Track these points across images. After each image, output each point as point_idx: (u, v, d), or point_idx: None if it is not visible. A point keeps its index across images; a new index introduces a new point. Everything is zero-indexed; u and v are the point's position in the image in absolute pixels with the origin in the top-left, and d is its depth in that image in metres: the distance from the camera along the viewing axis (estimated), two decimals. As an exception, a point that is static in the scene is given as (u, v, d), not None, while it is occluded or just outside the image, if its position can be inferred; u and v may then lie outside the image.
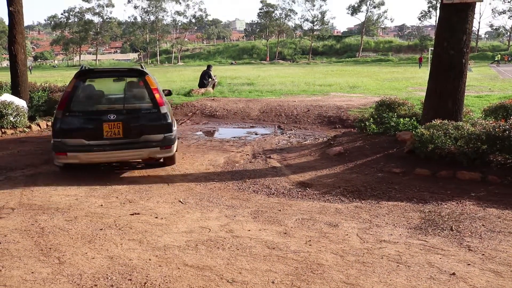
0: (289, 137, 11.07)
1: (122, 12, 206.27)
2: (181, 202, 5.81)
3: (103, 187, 6.50)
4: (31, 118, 12.18)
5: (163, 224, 4.93)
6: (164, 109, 7.16)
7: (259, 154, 9.00)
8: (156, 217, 5.17)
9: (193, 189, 6.51)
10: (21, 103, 11.89)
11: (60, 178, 7.04)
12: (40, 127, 11.92)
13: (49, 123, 12.19)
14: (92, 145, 6.84)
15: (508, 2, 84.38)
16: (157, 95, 7.16)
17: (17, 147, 9.57)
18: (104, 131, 6.86)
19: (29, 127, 11.62)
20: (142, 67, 7.90)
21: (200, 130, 12.08)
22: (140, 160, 7.77)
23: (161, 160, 7.80)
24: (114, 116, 6.92)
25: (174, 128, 7.48)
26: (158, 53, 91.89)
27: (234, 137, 11.13)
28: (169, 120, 7.21)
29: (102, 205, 5.62)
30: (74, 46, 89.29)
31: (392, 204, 5.68)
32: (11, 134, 11.01)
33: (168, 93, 9.18)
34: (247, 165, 8.12)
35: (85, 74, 7.41)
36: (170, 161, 7.88)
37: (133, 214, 5.26)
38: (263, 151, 9.24)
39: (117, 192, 6.27)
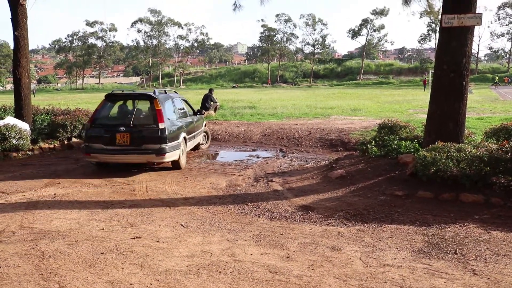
0: (291, 160, 11.07)
1: (125, 36, 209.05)
2: (183, 226, 5.77)
3: (104, 211, 6.48)
4: (34, 141, 12.21)
5: (165, 248, 4.89)
6: (162, 126, 9.15)
7: (261, 177, 8.98)
8: (158, 241, 5.13)
9: (195, 212, 6.48)
10: (24, 126, 11.95)
11: (62, 201, 7.03)
12: (42, 150, 11.95)
13: (52, 146, 12.24)
14: (107, 149, 9.21)
15: (506, 25, 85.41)
16: (158, 115, 9.23)
17: (19, 170, 9.59)
18: (117, 139, 9.14)
19: (32, 150, 11.65)
20: (165, 92, 10.59)
21: (202, 153, 12.07)
22: (144, 162, 9.60)
23: (170, 165, 9.81)
24: (124, 129, 9.17)
25: (177, 141, 9.58)
26: (160, 76, 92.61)
27: (236, 160, 11.13)
28: (165, 135, 9.12)
29: (103, 229, 5.59)
30: (77, 69, 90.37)
31: (395, 227, 5.64)
32: (14, 157, 11.03)
33: (199, 112, 12.23)
34: (249, 188, 8.10)
35: (110, 96, 10.07)
36: (176, 166, 9.83)
37: (134, 238, 5.22)
38: (265, 174, 9.23)
39: (118, 215, 6.24)
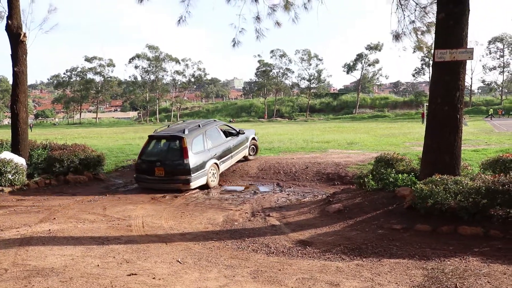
0: (288, 194, 11.02)
1: (122, 71, 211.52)
2: (179, 262, 5.69)
3: (100, 247, 6.39)
4: (30, 176, 12.16)
5: (161, 285, 4.81)
6: (186, 161, 11.50)
7: (258, 212, 8.93)
8: (154, 278, 5.05)
9: (192, 248, 6.41)
10: (20, 160, 11.92)
11: (57, 237, 6.94)
12: (38, 185, 11.88)
13: (48, 181, 12.17)
14: (149, 179, 11.89)
15: (497, 58, 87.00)
16: (184, 152, 11.59)
17: (13, 205, 9.51)
18: (155, 172, 11.69)
19: (27, 185, 11.60)
20: (199, 126, 12.83)
21: (198, 188, 12.02)
22: (176, 189, 11.60)
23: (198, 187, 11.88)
24: (159, 164, 11.75)
25: (203, 170, 11.87)
26: (157, 111, 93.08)
27: (233, 195, 11.09)
28: (189, 168, 11.45)
29: (98, 265, 5.51)
30: (75, 104, 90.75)
31: (394, 261, 5.58)
32: (9, 192, 10.95)
33: (241, 132, 14.70)
34: (246, 223, 8.04)
35: (151, 137, 12.76)
36: (205, 187, 12.00)
37: (130, 275, 5.14)
38: (262, 209, 9.18)
39: (114, 251, 6.16)
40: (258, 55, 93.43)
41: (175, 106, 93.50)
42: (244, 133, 14.84)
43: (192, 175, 11.49)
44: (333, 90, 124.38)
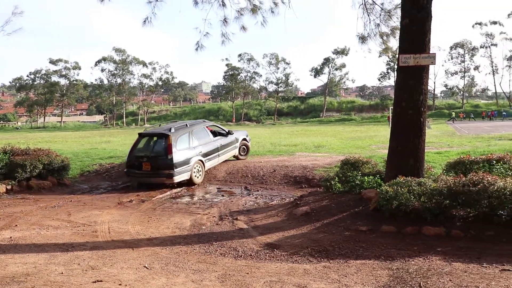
0: (256, 198, 11.04)
1: (88, 74, 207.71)
2: (146, 268, 5.63)
3: (64, 254, 6.25)
4: (-11, 183, 11.78)
5: (127, 291, 4.74)
6: (170, 157, 12.31)
7: (226, 216, 8.91)
8: (120, 284, 4.97)
9: (159, 253, 6.34)
10: (-20, 167, 11.56)
11: (18, 245, 6.76)
12: (-2, 191, 11.53)
13: (9, 187, 11.84)
14: (137, 173, 12.82)
15: (459, 64, 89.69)
16: (169, 148, 12.41)
17: (-27, 213, 9.20)
18: (143, 167, 12.60)
19: (-14, 191, 11.24)
20: (186, 125, 13.80)
21: (165, 192, 11.91)
22: (160, 183, 12.59)
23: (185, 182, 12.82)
24: (146, 159, 12.67)
25: (187, 165, 12.69)
26: (124, 115, 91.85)
27: (201, 199, 11.04)
28: (172, 163, 12.26)
29: (62, 273, 5.38)
30: (39, 108, 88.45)
31: (360, 262, 5.66)
32: (-32, 200, 10.60)
33: (229, 132, 15.44)
34: (214, 227, 8.01)
35: (141, 134, 13.72)
36: (190, 183, 12.90)
37: (95, 282, 5.05)
38: (230, 213, 9.16)
39: (79, 258, 6.03)
40: (226, 59, 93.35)
41: (142, 109, 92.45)
42: (233, 134, 15.59)
43: (175, 170, 12.34)
44: (301, 93, 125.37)
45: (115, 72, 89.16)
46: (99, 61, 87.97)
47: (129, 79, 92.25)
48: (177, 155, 12.48)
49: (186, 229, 7.88)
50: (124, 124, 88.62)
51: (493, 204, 6.54)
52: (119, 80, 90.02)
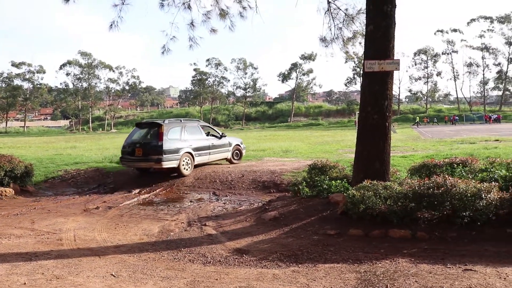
0: (224, 203, 11.02)
1: (53, 78, 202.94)
2: (114, 276, 5.53)
3: (27, 263, 6.08)
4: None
5: (93, 300, 4.64)
6: (160, 143, 13.42)
7: (194, 222, 8.86)
8: (86, 293, 4.87)
9: (126, 261, 6.24)
10: None
11: (-21, 256, 6.53)
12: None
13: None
14: (130, 158, 14.08)
15: (422, 69, 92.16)
16: (160, 136, 13.54)
17: None
18: (135, 152, 13.80)
19: None
20: (181, 120, 15.54)
21: (133, 198, 11.76)
22: (150, 168, 14.34)
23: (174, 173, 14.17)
24: (139, 145, 13.92)
25: (176, 154, 13.78)
26: (90, 120, 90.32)
27: (169, 205, 10.93)
28: (162, 149, 13.35)
29: (25, 283, 5.23)
30: (0, 112, 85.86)
31: (328, 266, 5.71)
32: None
33: (222, 135, 16.46)
34: (182, 233, 7.95)
35: (137, 124, 15.32)
36: (178, 172, 14.06)
37: (60, 291, 4.93)
38: (199, 219, 9.11)
39: (43, 267, 5.87)
40: (194, 63, 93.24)
41: (109, 114, 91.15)
42: (225, 137, 16.67)
43: (164, 156, 13.41)
44: (269, 98, 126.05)
45: (81, 76, 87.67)
46: (64, 65, 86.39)
47: (95, 84, 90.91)
48: (167, 143, 13.59)
49: (154, 236, 7.79)
50: (90, 129, 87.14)
51: (455, 206, 6.74)
52: (85, 84, 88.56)
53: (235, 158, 16.96)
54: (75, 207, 10.68)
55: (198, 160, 14.88)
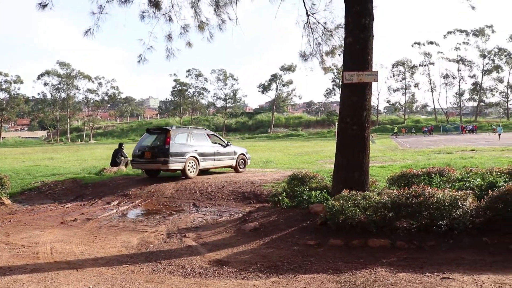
0: (204, 214, 10.96)
1: (30, 88, 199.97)
2: (91, 289, 5.44)
3: (1, 278, 5.94)
4: None
5: (70, 315, 4.56)
6: (167, 146, 14.69)
7: (174, 233, 8.78)
8: (62, 307, 4.78)
9: (105, 273, 6.15)
10: None
11: (-48, 270, 6.36)
12: None
13: None
14: (140, 161, 15.56)
15: (400, 81, 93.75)
16: (167, 140, 14.83)
17: None
18: (145, 155, 15.26)
19: None
20: (188, 127, 17.21)
21: (112, 210, 11.62)
22: (157, 169, 15.60)
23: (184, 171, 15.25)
24: (148, 148, 15.37)
25: (182, 157, 14.99)
26: (68, 130, 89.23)
27: (148, 217, 10.83)
28: (168, 152, 14.62)
29: (0, 298, 5.12)
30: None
31: (309, 276, 5.71)
32: None
33: (227, 144, 17.40)
34: (162, 245, 7.88)
35: (147, 130, 16.81)
36: (184, 174, 15.26)
37: (36, 306, 4.83)
38: (178, 230, 9.04)
39: (17, 282, 5.75)
40: (174, 74, 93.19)
41: (88, 125, 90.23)
42: (231, 145, 17.54)
43: (170, 158, 14.64)
44: (249, 109, 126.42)
45: (59, 86, 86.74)
46: (42, 75, 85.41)
47: (74, 94, 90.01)
48: (174, 147, 14.81)
49: (133, 248, 7.70)
50: (69, 140, 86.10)
51: (433, 215, 6.82)
52: (63, 95, 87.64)
53: (241, 167, 17.72)
54: (52, 220, 10.50)
55: (203, 165, 15.97)
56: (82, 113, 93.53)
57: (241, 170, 17.59)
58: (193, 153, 15.46)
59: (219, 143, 17.16)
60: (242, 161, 17.88)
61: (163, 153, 14.69)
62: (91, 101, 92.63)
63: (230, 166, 17.46)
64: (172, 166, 14.77)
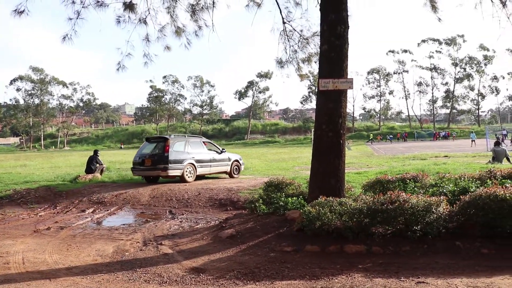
0: (180, 221, 10.88)
1: (2, 94, 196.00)
2: (65, 299, 5.34)
3: (-29, 289, 5.79)
4: None
5: (43, 325, 4.47)
6: (166, 154, 15.60)
7: (150, 241, 8.69)
8: (35, 318, 4.68)
9: (79, 283, 6.05)
10: None
11: None
12: None
13: None
14: (140, 168, 16.24)
15: (375, 88, 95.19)
16: (166, 148, 15.75)
17: None
18: (145, 162, 16.04)
19: None
20: (185, 136, 18.00)
21: (87, 218, 11.45)
22: (156, 176, 16.25)
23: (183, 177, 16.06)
24: (148, 156, 16.16)
25: (180, 164, 15.90)
26: (42, 137, 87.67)
27: (124, 224, 10.69)
28: (167, 159, 15.52)
29: (-30, 310, 4.98)
30: None
31: (286, 283, 5.72)
32: None
33: (222, 151, 18.20)
34: (138, 253, 7.79)
35: (147, 138, 17.92)
36: (182, 180, 15.97)
37: (7, 317, 4.71)
38: (154, 238, 8.96)
39: (-12, 293, 5.61)
40: (150, 80, 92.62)
41: (62, 131, 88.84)
42: (225, 152, 18.40)
43: (169, 165, 15.57)
44: (225, 116, 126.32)
45: (33, 92, 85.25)
46: (15, 80, 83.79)
47: (48, 100, 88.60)
48: (173, 155, 15.75)
49: (108, 256, 7.59)
50: (42, 147, 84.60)
51: (408, 220, 6.92)
52: (36, 101, 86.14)
53: (235, 173, 18.46)
54: (24, 228, 10.28)
55: (200, 171, 16.85)
56: (56, 119, 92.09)
57: (235, 176, 18.28)
58: (191, 160, 16.36)
59: (214, 150, 18.06)
60: (236, 167, 18.60)
61: (162, 161, 15.57)
62: (66, 107, 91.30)
63: (225, 172, 18.19)
64: (171, 172, 15.65)
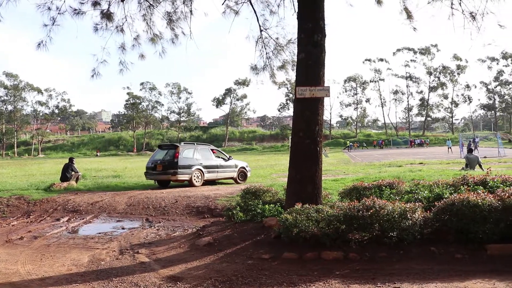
0: (157, 229, 10.78)
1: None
2: (38, 309, 5.23)
3: None
4: None
5: (15, 337, 4.36)
6: (176, 160, 16.97)
7: (126, 249, 8.58)
8: (7, 330, 4.56)
9: (52, 293, 5.93)
10: None
11: None
12: None
13: None
14: (153, 173, 17.70)
15: (352, 96, 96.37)
16: (176, 154, 17.16)
17: None
18: (157, 168, 17.46)
19: None
20: (194, 144, 19.47)
21: (61, 227, 11.24)
22: (167, 180, 17.56)
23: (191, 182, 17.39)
24: (159, 162, 17.59)
25: (189, 169, 17.27)
26: (15, 144, 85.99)
27: (100, 233, 10.52)
28: (177, 165, 16.90)
29: None
30: None
31: (263, 290, 5.71)
32: None
33: (229, 158, 19.57)
34: (114, 262, 7.68)
35: (160, 145, 19.68)
36: (191, 184, 17.22)
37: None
38: (131, 246, 8.85)
39: (-42, 305, 5.46)
40: (128, 87, 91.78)
41: (37, 139, 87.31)
42: (232, 159, 19.68)
43: (179, 170, 16.91)
44: (203, 123, 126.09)
45: (6, 98, 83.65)
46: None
47: (22, 106, 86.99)
48: (182, 161, 17.11)
49: (83, 266, 7.47)
50: (16, 155, 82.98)
51: (384, 226, 7.00)
52: (10, 107, 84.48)
53: (240, 179, 19.44)
54: (-4, 238, 10.04)
55: (208, 176, 18.06)
56: (30, 126, 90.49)
57: (240, 182, 19.14)
58: (199, 166, 17.66)
59: (221, 157, 19.33)
60: (242, 174, 19.62)
61: (172, 166, 16.93)
62: (41, 114, 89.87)
63: (232, 178, 19.28)
64: (181, 177, 17.00)
